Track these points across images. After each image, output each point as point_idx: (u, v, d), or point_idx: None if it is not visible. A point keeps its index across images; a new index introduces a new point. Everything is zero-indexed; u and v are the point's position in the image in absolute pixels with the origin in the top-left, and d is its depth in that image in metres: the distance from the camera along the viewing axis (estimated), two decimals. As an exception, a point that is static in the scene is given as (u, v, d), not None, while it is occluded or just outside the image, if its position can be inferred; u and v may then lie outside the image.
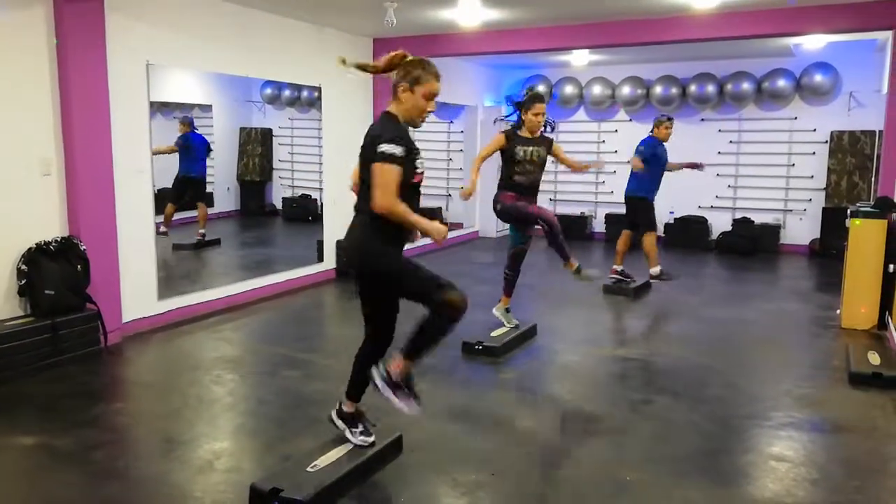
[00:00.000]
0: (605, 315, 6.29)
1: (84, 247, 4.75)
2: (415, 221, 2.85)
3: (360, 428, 3.20)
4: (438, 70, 2.93)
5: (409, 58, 2.93)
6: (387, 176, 2.77)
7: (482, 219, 10.82)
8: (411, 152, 2.89)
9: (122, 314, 5.17)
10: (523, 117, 4.91)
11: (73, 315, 4.65)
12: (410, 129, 3.02)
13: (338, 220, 7.43)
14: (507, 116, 10.72)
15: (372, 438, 3.19)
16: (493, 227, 10.75)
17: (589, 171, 5.11)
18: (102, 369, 4.61)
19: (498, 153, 4.99)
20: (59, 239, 4.68)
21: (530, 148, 4.91)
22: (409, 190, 2.92)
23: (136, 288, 5.33)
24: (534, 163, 4.93)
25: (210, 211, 8.54)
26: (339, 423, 3.22)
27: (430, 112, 2.96)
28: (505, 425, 3.75)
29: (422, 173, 2.98)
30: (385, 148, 2.78)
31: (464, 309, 2.91)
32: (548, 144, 5.02)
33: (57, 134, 4.74)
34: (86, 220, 4.84)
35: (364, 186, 2.92)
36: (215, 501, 2.92)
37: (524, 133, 4.94)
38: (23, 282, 4.54)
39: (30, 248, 4.57)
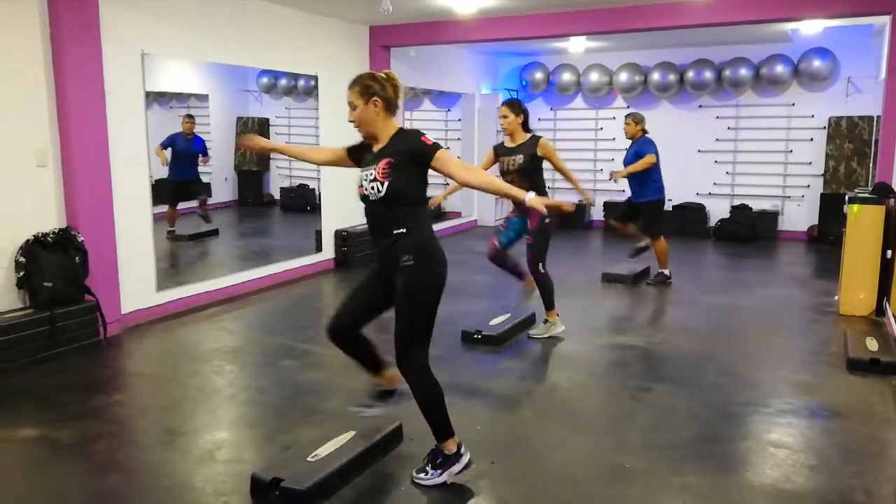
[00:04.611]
0: (604, 303, 6.30)
1: (82, 238, 4.74)
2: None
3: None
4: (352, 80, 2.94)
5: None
6: None
7: (481, 208, 10.82)
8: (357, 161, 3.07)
9: (120, 305, 5.17)
10: None
11: (72, 307, 4.65)
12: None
13: (336, 210, 7.42)
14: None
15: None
16: (492, 215, 10.74)
17: (580, 200, 4.88)
18: (102, 361, 4.61)
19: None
20: (56, 230, 4.67)
21: (507, 157, 4.81)
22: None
23: (135, 279, 5.32)
24: (511, 172, 4.76)
25: (208, 201, 8.54)
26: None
27: (351, 122, 2.95)
28: (504, 414, 3.76)
29: (359, 187, 2.92)
30: None
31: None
32: (529, 147, 4.75)
33: (52, 125, 4.71)
34: (83, 211, 4.82)
35: None
36: (216, 492, 2.93)
37: (507, 143, 4.87)
38: (21, 274, 4.53)
39: (27, 240, 4.56)
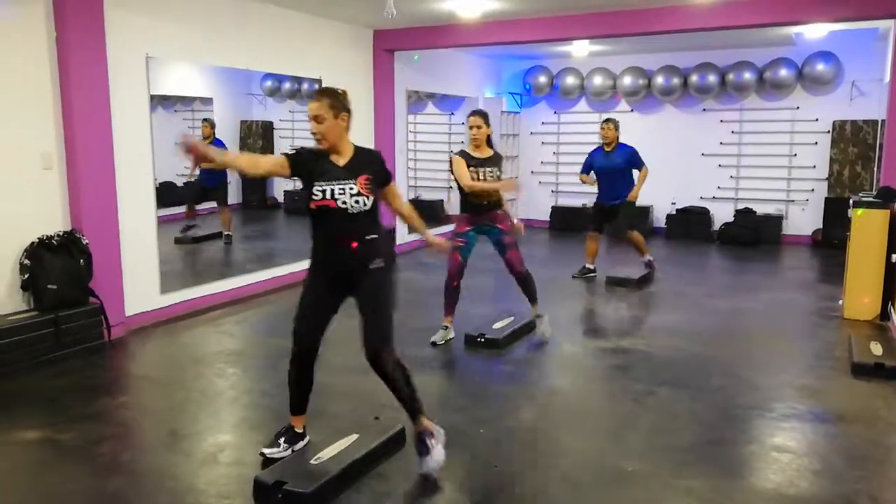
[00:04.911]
0: (607, 306, 6.30)
1: (86, 241, 4.76)
2: (221, 160, 2.98)
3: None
4: (317, 92, 3.06)
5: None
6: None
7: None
8: (307, 173, 3.01)
9: (124, 308, 5.18)
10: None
11: (76, 309, 4.66)
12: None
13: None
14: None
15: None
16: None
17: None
18: (106, 363, 4.62)
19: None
20: (61, 233, 4.69)
21: (481, 168, 4.74)
22: (317, 215, 3.03)
23: (139, 282, 5.34)
24: (485, 182, 4.74)
25: (212, 205, 8.57)
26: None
27: (314, 133, 3.02)
28: (507, 417, 3.76)
29: (324, 200, 2.96)
30: None
31: (291, 359, 3.21)
32: (499, 162, 4.88)
33: (58, 128, 4.73)
34: (88, 214, 4.84)
35: None
36: (219, 494, 2.93)
37: (474, 153, 4.81)
38: (25, 276, 4.55)
39: (32, 243, 4.57)
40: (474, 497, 2.93)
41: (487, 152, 4.83)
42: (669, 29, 6.72)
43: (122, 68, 5.09)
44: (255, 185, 9.94)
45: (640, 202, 9.99)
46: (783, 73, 9.04)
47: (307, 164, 3.00)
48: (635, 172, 6.85)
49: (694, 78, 9.49)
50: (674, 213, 9.92)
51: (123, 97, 5.10)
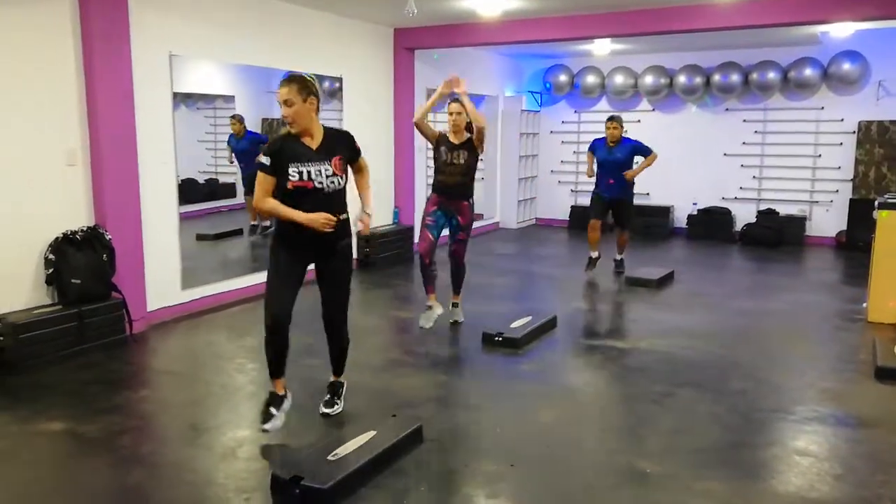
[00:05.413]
0: (627, 306, 6.26)
1: (109, 236, 4.81)
2: (284, 214, 3.20)
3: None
4: (286, 79, 3.18)
5: None
6: (257, 181, 3.21)
7: (503, 210, 10.80)
8: (281, 162, 3.17)
9: (146, 303, 5.24)
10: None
11: (99, 304, 4.72)
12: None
13: (358, 209, 7.44)
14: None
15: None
16: (514, 217, 10.72)
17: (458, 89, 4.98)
18: (128, 357, 4.68)
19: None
20: (85, 228, 4.75)
21: (452, 152, 4.97)
22: (293, 195, 3.18)
23: (161, 277, 5.39)
24: (453, 164, 4.98)
25: (232, 201, 8.62)
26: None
27: (284, 117, 3.17)
28: (524, 417, 3.75)
29: (301, 181, 3.17)
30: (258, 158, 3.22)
31: (268, 330, 3.32)
32: (471, 146, 5.02)
33: (82, 125, 4.79)
34: (111, 209, 4.90)
35: None
36: (238, 488, 2.95)
37: (451, 138, 5.02)
38: (50, 271, 4.61)
39: (56, 238, 4.64)
40: (491, 495, 2.92)
41: (463, 138, 5.02)
42: (692, 28, 6.66)
43: (146, 66, 5.14)
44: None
45: (660, 202, 10.00)
46: (808, 72, 8.92)
47: (278, 152, 3.16)
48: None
49: (717, 77, 9.40)
50: (695, 213, 9.83)
51: (147, 95, 5.16)
